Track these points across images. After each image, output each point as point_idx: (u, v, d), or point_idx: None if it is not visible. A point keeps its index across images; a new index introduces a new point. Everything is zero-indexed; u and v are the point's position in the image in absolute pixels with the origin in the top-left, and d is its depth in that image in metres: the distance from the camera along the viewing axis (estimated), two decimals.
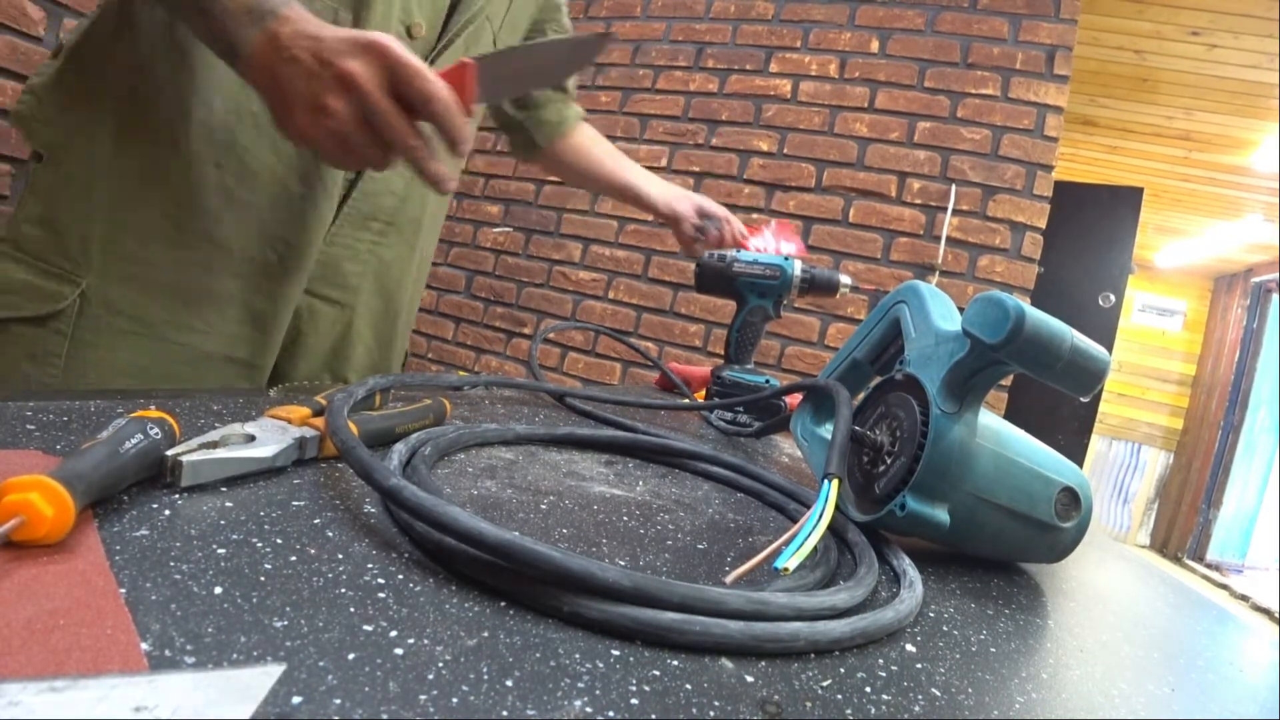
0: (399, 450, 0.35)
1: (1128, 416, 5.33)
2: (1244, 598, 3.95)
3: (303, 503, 0.29)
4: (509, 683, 0.19)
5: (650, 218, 2.26)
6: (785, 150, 2.16)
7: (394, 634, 0.20)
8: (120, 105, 0.57)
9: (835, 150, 2.11)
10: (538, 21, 0.85)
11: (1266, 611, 3.74)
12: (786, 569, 0.27)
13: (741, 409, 0.74)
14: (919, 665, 0.26)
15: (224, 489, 0.29)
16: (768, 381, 0.81)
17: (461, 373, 0.72)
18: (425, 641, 0.20)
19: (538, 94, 0.91)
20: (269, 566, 0.23)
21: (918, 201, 2.02)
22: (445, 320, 2.56)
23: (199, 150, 0.57)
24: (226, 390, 0.59)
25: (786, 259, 0.83)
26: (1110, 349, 2.77)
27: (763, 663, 0.24)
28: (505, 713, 0.18)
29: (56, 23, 1.40)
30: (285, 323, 0.65)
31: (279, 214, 0.61)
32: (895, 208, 2.04)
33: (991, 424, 0.40)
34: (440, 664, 0.19)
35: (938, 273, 1.98)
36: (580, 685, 0.20)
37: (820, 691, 0.23)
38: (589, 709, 0.19)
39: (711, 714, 0.20)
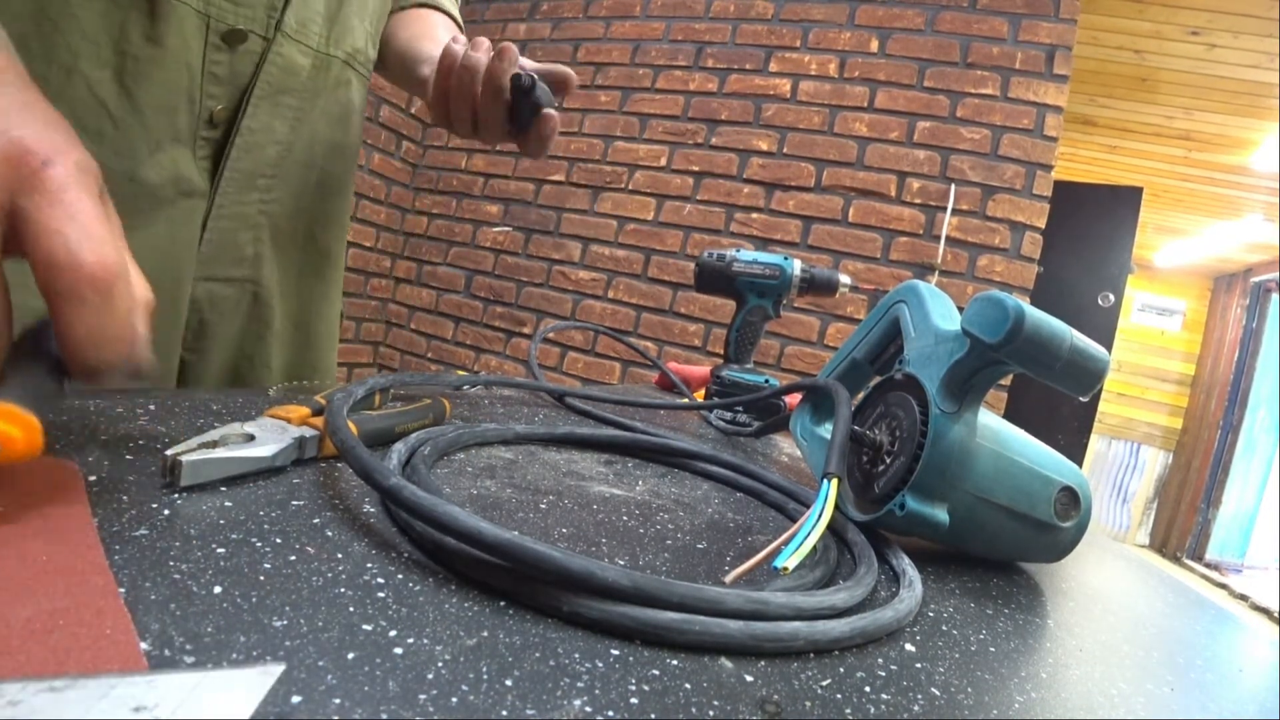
0: (398, 450, 0.35)
1: (1127, 416, 5.33)
2: (1243, 597, 3.95)
3: (302, 502, 0.29)
4: (508, 682, 0.19)
5: (650, 216, 2.28)
6: (785, 150, 2.16)
7: (393, 634, 0.20)
8: None
9: (835, 150, 2.11)
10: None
11: (1265, 611, 3.74)
12: (786, 568, 0.27)
13: (741, 409, 0.74)
14: (918, 665, 0.26)
15: (223, 489, 0.29)
16: (767, 381, 0.81)
17: (461, 372, 0.71)
18: (425, 641, 0.20)
19: None
20: (268, 566, 0.23)
21: (917, 201, 2.02)
22: (445, 320, 2.56)
23: None
24: (226, 389, 0.59)
25: (786, 258, 0.83)
26: (1110, 349, 2.77)
27: (762, 662, 0.24)
28: (505, 712, 0.18)
29: None
30: (162, 327, 0.54)
31: None
32: (895, 207, 2.04)
33: (991, 424, 0.40)
34: (440, 663, 0.19)
35: (937, 272, 1.98)
36: (580, 685, 0.20)
37: (820, 691, 0.23)
38: (588, 708, 0.19)
39: (711, 714, 0.20)
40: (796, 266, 0.83)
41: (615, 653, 0.22)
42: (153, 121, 0.50)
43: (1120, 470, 5.33)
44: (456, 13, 0.78)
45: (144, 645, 0.17)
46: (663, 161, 2.30)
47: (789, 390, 0.53)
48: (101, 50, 0.47)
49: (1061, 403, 2.76)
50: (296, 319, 0.67)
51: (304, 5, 0.56)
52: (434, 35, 0.69)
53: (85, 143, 0.46)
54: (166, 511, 0.25)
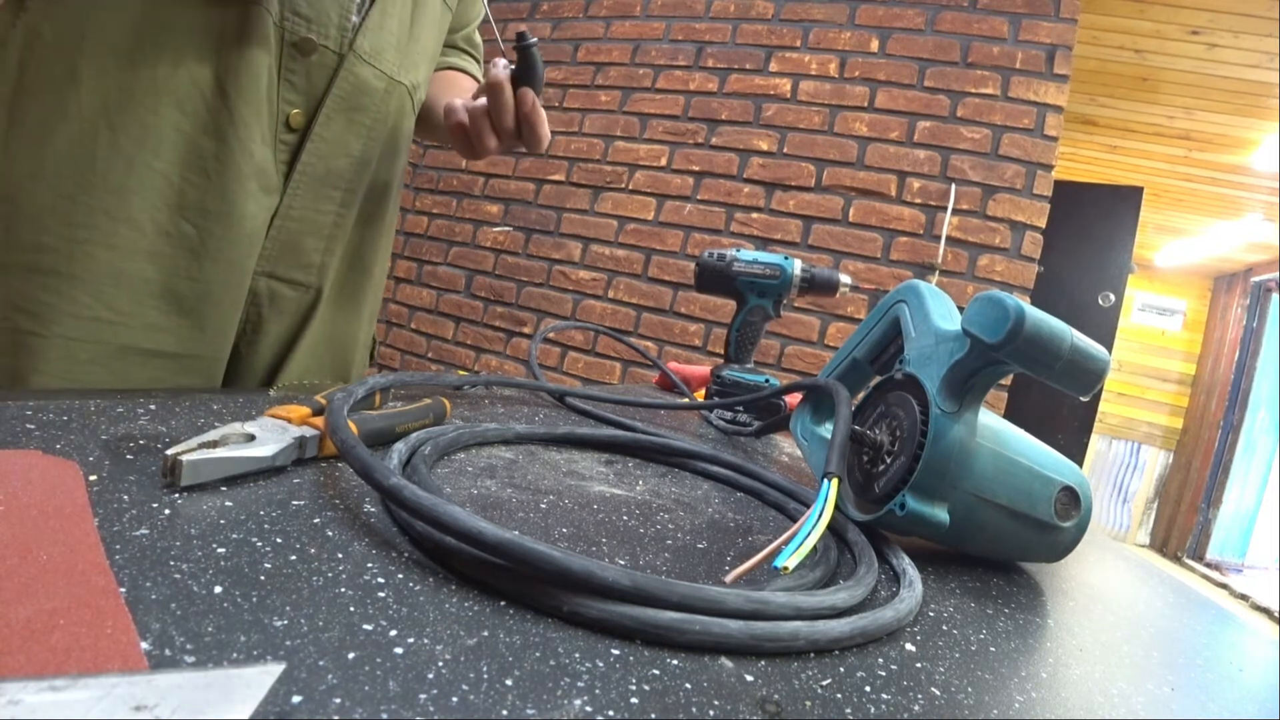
0: (399, 450, 0.35)
1: (1127, 416, 5.33)
2: (1243, 597, 3.95)
3: (302, 502, 0.29)
4: (509, 682, 0.19)
5: (650, 216, 2.28)
6: (785, 150, 2.16)
7: (394, 633, 0.20)
8: (8, 83, 0.51)
9: (835, 150, 2.11)
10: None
11: (1266, 611, 3.74)
12: (786, 568, 0.27)
13: (741, 408, 0.74)
14: (919, 664, 0.26)
15: (224, 488, 0.29)
16: (767, 381, 0.81)
17: (461, 372, 0.71)
18: (425, 641, 0.20)
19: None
20: (269, 566, 0.23)
21: (918, 201, 2.02)
22: (445, 320, 2.56)
23: (90, 113, 0.50)
24: (226, 390, 0.59)
25: (786, 258, 0.83)
26: (1110, 348, 2.77)
27: (762, 662, 0.24)
28: (505, 712, 0.18)
29: None
30: (225, 308, 0.58)
31: (192, 179, 0.54)
32: (895, 207, 2.04)
33: (991, 423, 0.40)
34: (440, 663, 0.19)
35: (938, 272, 1.98)
36: (580, 685, 0.20)
37: (820, 691, 0.23)
38: (589, 708, 0.19)
39: (711, 713, 0.20)
40: (797, 266, 0.83)
41: (615, 652, 0.22)
42: (242, 115, 0.54)
43: (1120, 470, 5.32)
44: (480, 76, 0.84)
45: (144, 645, 0.17)
46: (663, 161, 2.30)
47: (789, 390, 0.53)
48: (203, 48, 0.53)
49: (1061, 403, 2.76)
50: (330, 336, 0.69)
51: (378, 36, 0.60)
52: (458, 94, 0.75)
53: (186, 124, 0.53)
54: (167, 511, 0.25)
